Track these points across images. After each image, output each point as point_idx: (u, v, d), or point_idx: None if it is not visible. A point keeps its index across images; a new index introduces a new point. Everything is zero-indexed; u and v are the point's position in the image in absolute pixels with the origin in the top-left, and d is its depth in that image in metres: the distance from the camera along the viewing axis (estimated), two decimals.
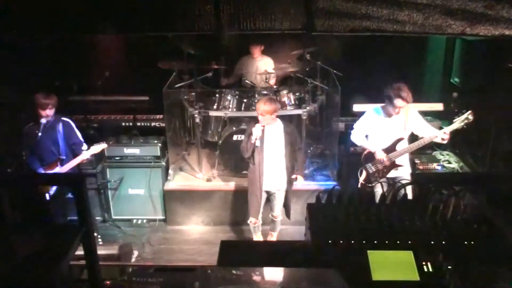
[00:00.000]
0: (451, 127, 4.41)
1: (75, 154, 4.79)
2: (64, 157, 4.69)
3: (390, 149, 4.60)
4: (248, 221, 4.94)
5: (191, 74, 5.92)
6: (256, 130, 4.43)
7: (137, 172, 5.67)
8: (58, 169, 4.62)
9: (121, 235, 5.46)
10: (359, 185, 4.88)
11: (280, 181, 4.71)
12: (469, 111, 4.30)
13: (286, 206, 4.88)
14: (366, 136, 4.74)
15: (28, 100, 4.72)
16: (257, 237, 5.14)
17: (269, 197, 4.85)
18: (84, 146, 4.83)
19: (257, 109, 4.51)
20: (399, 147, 4.59)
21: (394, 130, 4.59)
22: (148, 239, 5.39)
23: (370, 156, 4.71)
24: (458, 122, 4.33)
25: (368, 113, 4.71)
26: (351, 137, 4.81)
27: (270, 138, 4.57)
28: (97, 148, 4.83)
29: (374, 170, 4.70)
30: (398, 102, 4.32)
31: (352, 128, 4.84)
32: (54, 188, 4.63)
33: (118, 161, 5.64)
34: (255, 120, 4.70)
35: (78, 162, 4.71)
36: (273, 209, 4.90)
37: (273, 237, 5.15)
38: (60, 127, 4.70)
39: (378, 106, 4.67)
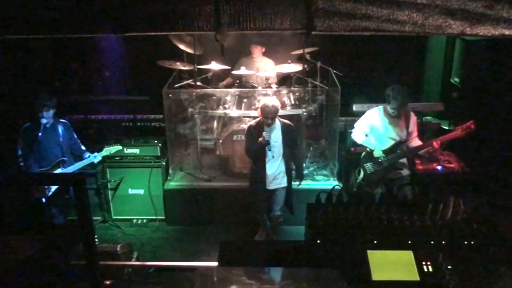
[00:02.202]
0: (447, 136, 4.41)
1: (73, 154, 4.79)
2: (66, 159, 4.68)
3: (389, 151, 4.60)
4: (255, 215, 4.98)
5: (191, 74, 5.92)
6: (267, 134, 4.48)
7: (137, 172, 5.67)
8: (60, 171, 4.60)
9: (121, 235, 5.46)
10: (357, 185, 4.89)
11: (280, 178, 4.75)
12: (471, 121, 4.24)
13: (288, 202, 4.89)
14: (367, 136, 4.75)
15: (28, 100, 4.72)
16: (260, 236, 5.16)
17: (270, 195, 4.86)
18: (82, 146, 4.86)
19: (262, 112, 4.51)
20: (399, 149, 4.58)
21: (395, 131, 4.58)
22: (148, 239, 5.39)
23: (369, 156, 4.71)
24: (460, 131, 4.28)
25: (370, 112, 4.72)
26: (352, 135, 4.83)
27: (271, 137, 4.60)
28: (110, 150, 4.86)
29: (372, 170, 4.70)
30: (392, 101, 4.41)
31: (353, 127, 4.86)
32: (52, 189, 4.61)
33: (118, 161, 5.64)
34: (253, 119, 4.75)
35: (86, 164, 4.74)
36: (274, 208, 4.90)
37: (273, 239, 5.15)
38: (60, 128, 4.69)
39: (381, 106, 4.68)
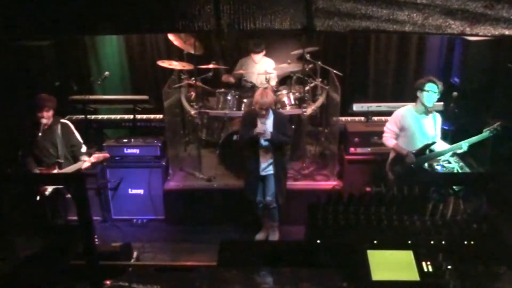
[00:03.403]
0: (475, 138, 4.32)
1: (74, 157, 4.74)
2: (62, 161, 4.63)
3: (419, 153, 4.44)
4: (253, 202, 5.02)
5: (191, 74, 5.91)
6: (261, 127, 4.60)
7: (137, 172, 5.66)
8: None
9: (121, 235, 5.45)
10: (381, 188, 4.67)
11: (271, 165, 4.86)
12: (499, 122, 4.19)
13: (279, 188, 4.93)
14: (396, 138, 4.61)
15: (27, 100, 4.72)
16: (260, 236, 5.20)
17: (263, 181, 4.96)
18: (83, 148, 4.76)
19: (256, 104, 4.60)
20: (428, 151, 4.45)
21: (426, 132, 4.48)
22: (148, 239, 5.39)
23: (398, 160, 4.53)
24: (488, 133, 4.24)
25: (400, 112, 4.60)
26: (383, 140, 4.68)
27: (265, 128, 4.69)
28: (98, 156, 4.72)
29: (402, 173, 4.52)
30: (428, 85, 4.35)
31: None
32: (49, 189, 4.57)
33: (118, 161, 5.64)
34: (249, 110, 4.95)
35: (77, 168, 4.64)
36: (266, 193, 4.96)
37: (274, 230, 5.19)
38: (58, 129, 4.64)
39: (409, 105, 4.60)
